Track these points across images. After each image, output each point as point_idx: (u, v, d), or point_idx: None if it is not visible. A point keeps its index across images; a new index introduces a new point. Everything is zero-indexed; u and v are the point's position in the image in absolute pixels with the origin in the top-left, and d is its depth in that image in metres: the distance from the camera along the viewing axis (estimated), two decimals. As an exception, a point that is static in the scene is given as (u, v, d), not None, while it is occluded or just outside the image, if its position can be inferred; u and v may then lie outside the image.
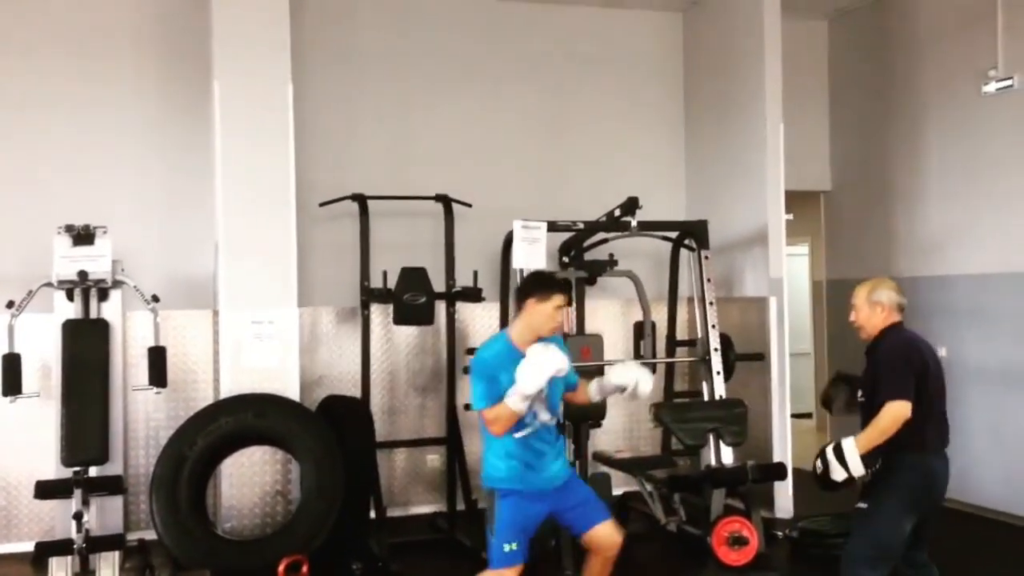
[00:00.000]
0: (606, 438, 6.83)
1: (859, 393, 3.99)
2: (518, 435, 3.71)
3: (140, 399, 5.86)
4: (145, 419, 6.00)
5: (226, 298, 5.49)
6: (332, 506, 5.00)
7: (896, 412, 3.66)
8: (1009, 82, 6.17)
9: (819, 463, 3.81)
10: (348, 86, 6.63)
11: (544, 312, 3.75)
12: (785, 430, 6.44)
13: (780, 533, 5.86)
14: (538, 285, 3.82)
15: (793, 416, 9.26)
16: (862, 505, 3.83)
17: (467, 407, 5.75)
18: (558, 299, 3.76)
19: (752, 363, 6.31)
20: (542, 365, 3.56)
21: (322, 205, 6.12)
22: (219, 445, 5.13)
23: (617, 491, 6.14)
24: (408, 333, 6.63)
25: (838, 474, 3.73)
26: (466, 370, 5.84)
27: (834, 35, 7.89)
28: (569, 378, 3.89)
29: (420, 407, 6.70)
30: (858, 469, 3.71)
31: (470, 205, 6.37)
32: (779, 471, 5.30)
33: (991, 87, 6.28)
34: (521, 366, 3.57)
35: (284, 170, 5.56)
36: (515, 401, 3.58)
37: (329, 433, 5.17)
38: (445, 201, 6.21)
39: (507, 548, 3.73)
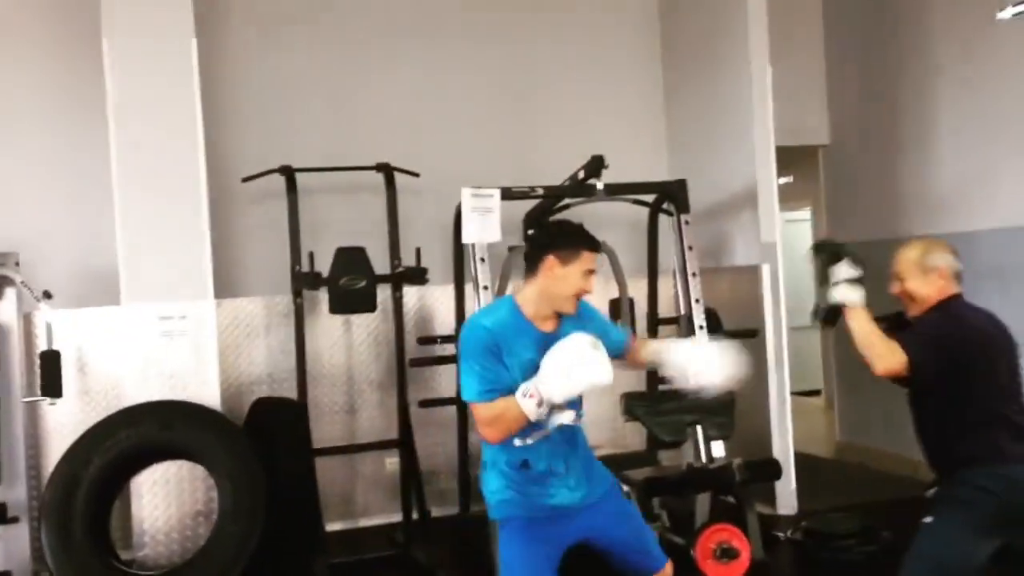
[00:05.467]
0: (587, 430, 6.08)
1: (821, 318, 3.25)
2: (520, 442, 2.77)
3: (53, 411, 5.20)
4: (59, 432, 5.27)
5: (128, 291, 4.73)
6: (251, 530, 4.28)
7: (886, 360, 2.94)
8: (1028, 6, 5.36)
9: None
10: (274, 45, 5.89)
11: (569, 277, 2.78)
12: (784, 414, 5.68)
13: (782, 534, 5.13)
14: (561, 238, 2.83)
15: (799, 394, 8.56)
16: (928, 520, 3.05)
17: (454, 401, 5.07)
18: (588, 258, 2.80)
19: (745, 340, 5.53)
20: (584, 372, 2.63)
21: (245, 180, 5.38)
22: (120, 463, 4.41)
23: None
24: (363, 321, 5.93)
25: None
26: (412, 362, 5.18)
27: (827, -35, 7.07)
28: (612, 339, 2.94)
29: (379, 404, 6.00)
30: (840, 293, 3.08)
31: (417, 175, 5.62)
32: (772, 469, 4.55)
33: (1007, 13, 5.44)
34: (552, 358, 2.65)
35: (191, 140, 4.78)
36: (530, 405, 2.64)
37: (246, 444, 4.45)
38: (387, 171, 5.46)
39: None
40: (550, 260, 2.78)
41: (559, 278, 2.77)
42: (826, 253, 3.21)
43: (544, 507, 2.85)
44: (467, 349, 2.75)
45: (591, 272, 2.81)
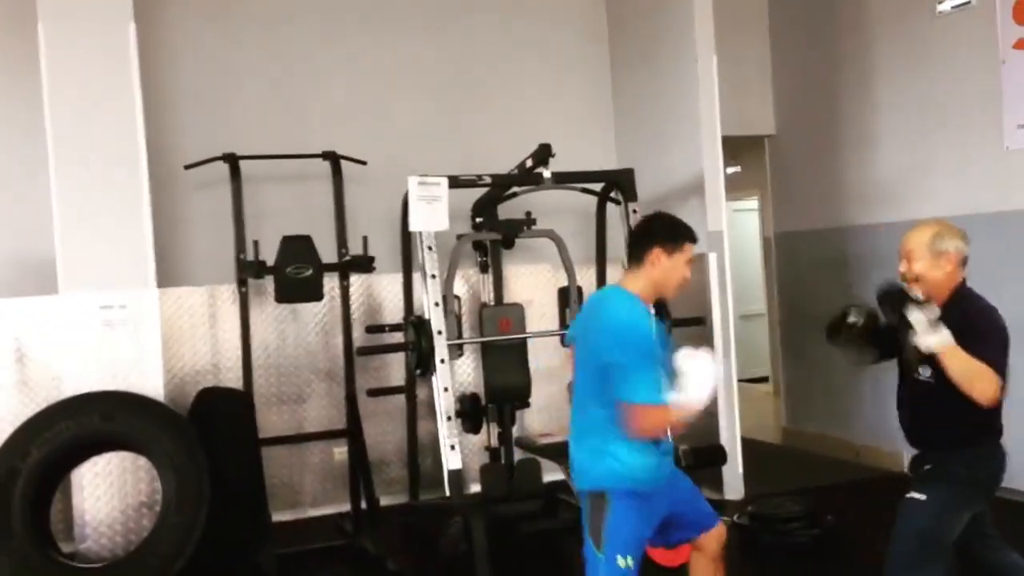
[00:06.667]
0: (538, 418, 6.11)
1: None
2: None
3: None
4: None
5: (66, 279, 4.65)
6: (195, 521, 4.23)
7: (992, 389, 2.90)
8: (967, -2, 5.48)
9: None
10: (218, 30, 5.83)
11: (677, 267, 2.92)
12: (732, 401, 5.75)
13: (728, 519, 5.18)
14: (667, 232, 2.95)
15: (747, 381, 8.69)
16: (918, 496, 3.09)
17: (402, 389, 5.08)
18: (690, 249, 2.96)
19: (692, 328, 5.60)
20: (710, 375, 2.73)
21: (188, 168, 5.31)
22: (60, 454, 4.34)
23: (548, 479, 5.47)
24: (310, 310, 5.87)
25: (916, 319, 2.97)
26: (360, 351, 5.11)
27: (772, -41, 7.15)
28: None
29: (326, 394, 5.95)
30: (931, 340, 2.93)
31: (364, 163, 5.59)
32: (718, 455, 4.60)
33: (946, 5, 5.59)
34: (690, 369, 2.70)
35: (130, 126, 4.70)
36: (682, 413, 2.72)
37: (190, 434, 4.39)
38: (334, 159, 5.42)
39: (622, 563, 2.85)
40: (656, 252, 2.90)
41: (667, 269, 2.92)
42: (891, 300, 3.13)
43: (662, 478, 2.94)
44: (638, 347, 2.76)
45: (691, 261, 2.96)
